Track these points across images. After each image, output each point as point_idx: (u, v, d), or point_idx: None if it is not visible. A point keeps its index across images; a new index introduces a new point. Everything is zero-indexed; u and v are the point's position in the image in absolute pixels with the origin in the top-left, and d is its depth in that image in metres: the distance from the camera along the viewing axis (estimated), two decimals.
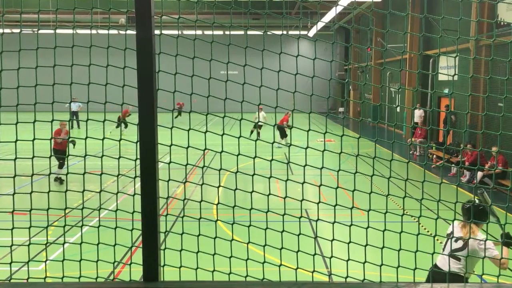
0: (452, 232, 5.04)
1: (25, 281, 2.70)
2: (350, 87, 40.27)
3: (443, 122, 21.47)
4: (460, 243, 4.95)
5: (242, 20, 35.93)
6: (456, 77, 20.10)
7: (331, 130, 4.02)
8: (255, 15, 35.24)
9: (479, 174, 14.97)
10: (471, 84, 18.03)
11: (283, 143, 21.43)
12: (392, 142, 2.89)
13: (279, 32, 3.30)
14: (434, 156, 19.13)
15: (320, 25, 34.96)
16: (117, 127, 24.14)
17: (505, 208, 2.69)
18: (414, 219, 2.94)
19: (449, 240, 4.95)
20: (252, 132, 21.87)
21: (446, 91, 19.28)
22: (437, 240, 6.45)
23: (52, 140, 14.71)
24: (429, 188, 3.10)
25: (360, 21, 37.63)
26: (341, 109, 41.53)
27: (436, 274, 4.57)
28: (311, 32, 38.87)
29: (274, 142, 2.90)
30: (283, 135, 21.74)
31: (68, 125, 26.58)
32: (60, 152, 13.71)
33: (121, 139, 2.84)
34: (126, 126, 24.89)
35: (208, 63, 2.86)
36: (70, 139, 13.72)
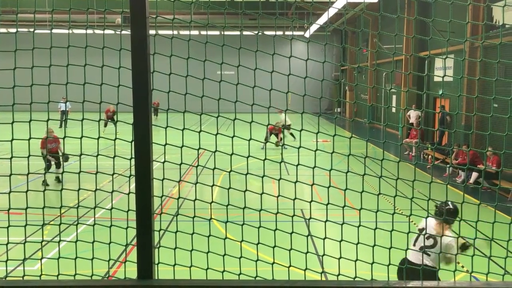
0: (424, 228, 5.40)
1: (21, 279, 2.73)
2: (346, 87, 40.38)
3: (438, 122, 21.57)
4: (431, 241, 5.33)
5: (238, 21, 35.96)
6: (451, 78, 20.20)
7: (326, 130, 4.04)
8: (251, 16, 35.28)
9: (474, 174, 15.06)
10: (467, 85, 18.11)
11: (281, 144, 21.58)
12: (383, 142, 2.93)
13: (275, 33, 3.35)
14: (430, 156, 19.21)
15: (315, 26, 35.02)
16: (105, 126, 24.23)
17: (494, 207, 2.73)
18: (407, 217, 2.98)
19: (421, 235, 5.38)
20: (268, 138, 21.17)
21: (439, 92, 19.38)
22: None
23: (44, 149, 14.55)
24: (424, 188, 3.14)
25: (357, 22, 37.74)
26: (338, 110, 41.62)
27: (409, 269, 4.62)
28: (308, 33, 38.94)
29: (280, 143, 2.94)
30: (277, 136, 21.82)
31: (62, 125, 26.21)
32: (54, 155, 13.97)
33: (116, 138, 2.87)
34: (106, 125, 25.07)
35: (206, 63, 2.89)
36: (64, 156, 14.01)
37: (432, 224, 5.47)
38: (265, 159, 2.82)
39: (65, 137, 3.03)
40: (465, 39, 3.79)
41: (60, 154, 13.99)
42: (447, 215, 5.32)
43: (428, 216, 5.24)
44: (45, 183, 14.28)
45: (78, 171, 2.98)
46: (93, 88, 2.98)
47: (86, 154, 2.80)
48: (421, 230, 5.46)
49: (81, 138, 2.96)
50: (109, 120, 23.14)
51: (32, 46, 2.87)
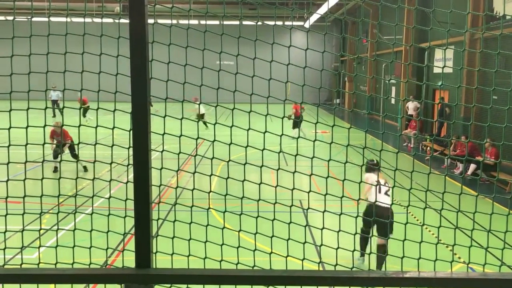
0: (378, 181, 7.08)
1: (19, 267, 2.73)
2: (346, 78, 40.27)
3: (437, 114, 21.57)
4: (387, 187, 7.40)
5: (238, 10, 35.76)
6: (450, 70, 20.15)
7: (326, 121, 4.04)
8: (251, 5, 35.04)
9: (472, 166, 15.08)
10: (466, 77, 18.08)
11: (291, 134, 21.84)
12: (382, 133, 2.92)
13: (274, 23, 3.32)
14: (428, 148, 19.23)
15: (315, 16, 34.84)
16: (84, 116, 24.31)
17: (491, 198, 2.73)
18: (404, 208, 2.99)
19: (381, 186, 7.28)
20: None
21: (439, 84, 19.36)
22: (426, 228, 6.52)
23: (51, 139, 14.81)
24: (422, 179, 3.14)
25: (357, 13, 37.56)
26: (337, 101, 41.57)
27: (378, 207, 6.99)
28: (308, 23, 38.76)
29: (282, 134, 2.93)
30: (296, 125, 22.06)
31: (55, 114, 26.09)
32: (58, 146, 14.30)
33: (114, 127, 2.85)
34: (84, 116, 25.08)
35: (205, 52, 2.87)
36: (83, 165, 14.48)
37: (376, 177, 7.32)
38: (264, 149, 2.82)
39: (62, 125, 3.02)
40: (466, 30, 3.75)
41: (67, 147, 14.15)
42: (376, 165, 7.54)
43: (368, 172, 7.67)
44: (56, 169, 14.38)
45: (75, 160, 2.97)
46: (90, 77, 2.96)
47: (84, 143, 2.79)
48: (377, 181, 6.93)
49: (79, 127, 2.95)
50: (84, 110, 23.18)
51: (30, 34, 2.84)
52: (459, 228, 2.77)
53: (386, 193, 7.51)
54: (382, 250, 6.82)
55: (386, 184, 7.35)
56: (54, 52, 2.75)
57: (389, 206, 6.74)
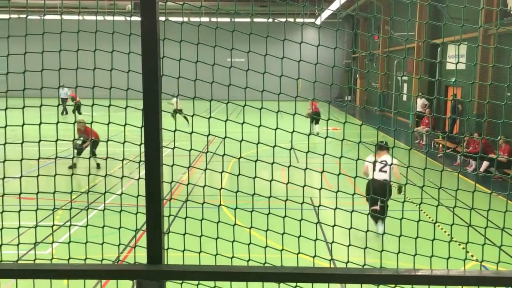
0: (375, 160, 9.06)
1: (32, 262, 2.76)
2: (357, 75, 40.03)
3: (450, 111, 21.36)
4: (382, 164, 9.21)
5: (248, 8, 35.71)
6: (463, 66, 19.94)
7: (337, 118, 4.02)
8: (262, 2, 34.98)
9: (485, 163, 14.93)
10: (480, 74, 17.87)
11: (317, 130, 22.38)
12: (395, 130, 2.90)
13: (286, 19, 3.30)
14: (441, 145, 19.06)
15: (326, 13, 34.68)
16: (68, 112, 24.82)
17: (505, 196, 2.70)
18: (416, 205, 2.96)
19: (377, 163, 9.15)
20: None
21: (452, 80, 19.16)
22: (438, 226, 6.49)
23: (79, 133, 14.93)
24: (434, 177, 3.11)
25: (368, 9, 37.30)
26: (348, 98, 41.36)
27: (375, 182, 8.29)
28: (319, 20, 38.60)
29: (293, 131, 2.92)
30: (317, 122, 22.81)
31: (64, 112, 26.25)
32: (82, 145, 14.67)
33: (126, 124, 2.87)
34: (66, 112, 25.64)
35: (213, 51, 2.87)
36: (97, 162, 14.62)
37: (372, 158, 8.75)
38: (275, 145, 2.81)
39: (75, 122, 3.04)
40: (480, 25, 3.71)
41: (84, 142, 14.33)
42: (386, 145, 9.60)
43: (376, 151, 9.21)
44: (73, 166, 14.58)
45: (88, 156, 2.99)
46: (101, 74, 2.96)
47: (98, 140, 2.81)
48: (374, 162, 8.71)
49: (91, 123, 2.97)
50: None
51: (42, 31, 2.86)
52: (472, 226, 2.74)
53: (381, 170, 9.18)
54: (380, 212, 8.74)
55: (382, 163, 9.18)
56: (66, 49, 2.77)
57: (384, 180, 8.85)
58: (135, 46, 2.55)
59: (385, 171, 9.12)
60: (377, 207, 8.93)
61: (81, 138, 14.85)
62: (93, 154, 14.32)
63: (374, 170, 8.74)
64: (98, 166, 15.15)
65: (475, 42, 18.54)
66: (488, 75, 17.40)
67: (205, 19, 38.71)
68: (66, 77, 3.15)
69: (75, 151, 14.55)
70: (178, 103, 20.77)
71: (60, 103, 3.25)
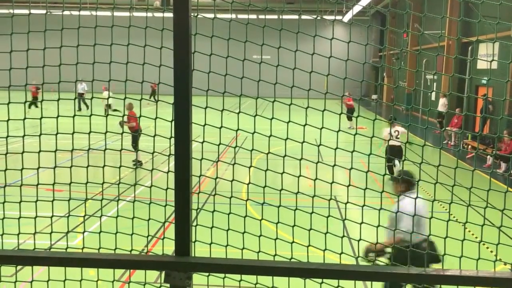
0: (390, 133, 12.75)
1: (64, 251, 2.84)
2: (384, 74, 39.52)
3: (480, 112, 20.89)
4: (396, 133, 13.14)
5: (276, 4, 35.63)
6: (495, 66, 19.46)
7: (363, 117, 3.97)
8: (288, 0, 34.82)
9: None
10: (511, 72, 17.41)
11: (354, 126, 23.11)
12: (425, 128, 2.86)
13: (317, 16, 3.29)
14: (470, 146, 18.67)
15: (355, 9, 34.32)
16: (29, 106, 25.30)
17: None
18: (444, 207, 2.92)
19: (390, 135, 12.68)
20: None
21: (484, 80, 18.73)
22: (466, 228, 6.36)
23: (127, 123, 14.48)
24: (463, 178, 3.06)
25: (397, 7, 36.74)
26: (374, 96, 40.90)
27: (391, 147, 12.87)
28: (346, 18, 38.22)
29: (322, 127, 2.92)
30: (350, 118, 23.69)
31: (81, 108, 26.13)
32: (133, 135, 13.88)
33: (156, 117, 2.92)
34: (33, 106, 25.98)
35: (240, 48, 2.89)
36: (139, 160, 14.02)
37: (389, 129, 12.95)
38: (303, 142, 2.81)
39: (108, 114, 3.10)
40: None
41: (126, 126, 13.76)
42: (395, 119, 13.31)
43: (392, 122, 13.10)
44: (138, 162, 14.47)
45: (119, 149, 3.05)
46: (115, 70, 3.00)
47: (127, 132, 2.86)
48: (388, 134, 12.81)
49: (122, 117, 3.02)
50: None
51: (78, 26, 2.93)
52: (502, 226, 2.69)
53: (396, 138, 13.07)
54: (390, 170, 13.19)
55: (396, 132, 13.26)
56: (99, 44, 2.83)
57: (398, 144, 13.01)
58: (153, 41, 2.58)
59: (398, 138, 13.16)
60: (392, 164, 13.32)
61: (125, 120, 13.53)
62: (134, 148, 13.70)
63: (390, 138, 12.76)
64: (139, 163, 14.12)
65: (507, 41, 18.06)
66: None
67: (232, 15, 38.80)
68: (80, 73, 3.21)
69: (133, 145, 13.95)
70: (109, 98, 20.89)
71: (77, 97, 3.33)
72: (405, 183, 5.56)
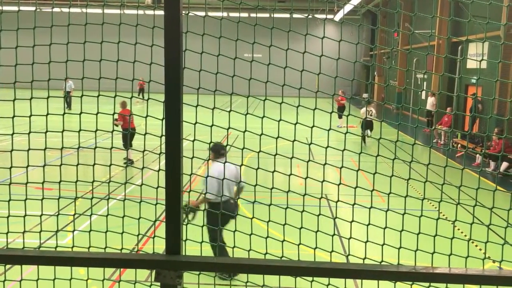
0: (366, 110, 15.78)
1: (54, 249, 2.82)
2: (375, 73, 39.68)
3: (469, 111, 21.07)
4: (370, 112, 18.67)
5: (267, 3, 35.61)
6: (484, 66, 19.63)
7: (353, 116, 3.99)
8: None
9: (504, 164, 14.70)
10: (501, 73, 17.59)
11: (343, 124, 23.65)
12: (416, 127, 2.88)
13: (308, 14, 3.31)
14: (459, 145, 18.82)
15: (346, 9, 34.38)
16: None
17: None
18: (433, 206, 2.94)
19: (366, 112, 14.82)
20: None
21: (473, 80, 18.87)
22: (455, 226, 6.42)
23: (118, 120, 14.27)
24: (452, 176, 3.09)
25: (388, 6, 36.90)
26: (365, 95, 41.05)
27: (366, 122, 18.59)
28: (337, 17, 38.30)
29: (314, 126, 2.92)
30: (340, 116, 24.28)
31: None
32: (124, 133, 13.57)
33: (147, 115, 2.90)
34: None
35: (232, 47, 2.88)
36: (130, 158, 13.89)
37: (365, 109, 18.01)
38: (294, 140, 2.82)
39: (81, 113, 3.06)
40: (505, 23, 3.65)
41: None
42: (371, 100, 25.08)
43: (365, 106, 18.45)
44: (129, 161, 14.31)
45: (110, 147, 3.04)
46: (105, 68, 2.98)
47: (118, 131, 2.85)
48: (366, 111, 14.40)
49: (113, 114, 3.01)
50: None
51: (68, 23, 2.91)
52: (491, 225, 2.71)
53: (370, 115, 17.70)
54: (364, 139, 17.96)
55: (370, 111, 18.29)
56: (90, 41, 2.81)
57: (370, 120, 16.41)
58: (144, 39, 2.57)
59: (371, 116, 17.84)
60: (365, 133, 17.74)
61: (116, 117, 13.55)
62: (124, 147, 13.56)
63: (366, 115, 17.27)
64: (130, 162, 13.83)
65: (496, 40, 18.22)
66: (509, 74, 17.11)
67: (223, 14, 38.73)
68: (86, 70, 3.18)
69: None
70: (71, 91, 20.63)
71: (65, 95, 3.31)
72: (212, 152, 6.55)
